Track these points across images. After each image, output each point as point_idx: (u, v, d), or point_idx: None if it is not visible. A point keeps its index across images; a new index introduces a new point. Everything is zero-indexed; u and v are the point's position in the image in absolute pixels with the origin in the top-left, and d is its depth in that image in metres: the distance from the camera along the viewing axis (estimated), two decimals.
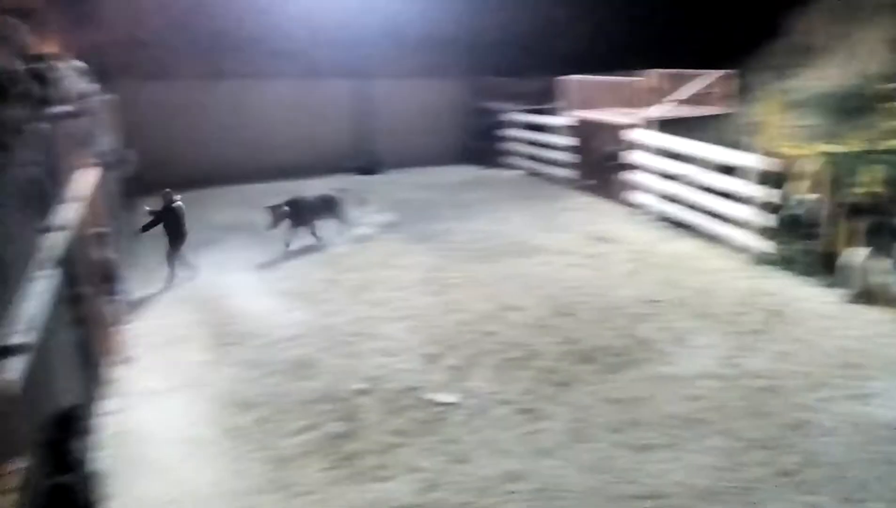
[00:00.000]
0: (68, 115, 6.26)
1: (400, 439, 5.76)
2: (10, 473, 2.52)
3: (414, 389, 6.58)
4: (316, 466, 5.39)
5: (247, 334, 7.85)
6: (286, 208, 11.02)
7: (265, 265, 10.35)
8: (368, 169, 18.60)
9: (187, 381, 6.77)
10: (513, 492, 5.06)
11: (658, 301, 8.71)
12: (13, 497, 2.48)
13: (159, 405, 6.31)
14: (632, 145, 13.39)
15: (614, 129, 14.52)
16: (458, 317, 8.36)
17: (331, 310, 8.58)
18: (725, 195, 10.93)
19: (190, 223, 9.96)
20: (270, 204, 11.03)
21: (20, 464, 2.61)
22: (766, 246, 10.00)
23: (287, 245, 10.93)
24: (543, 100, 17.42)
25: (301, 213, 11.17)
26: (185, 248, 9.83)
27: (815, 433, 5.70)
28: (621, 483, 5.12)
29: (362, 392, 6.51)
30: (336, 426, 5.96)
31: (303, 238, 11.26)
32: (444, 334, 7.85)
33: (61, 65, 5.71)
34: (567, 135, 15.90)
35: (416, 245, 11.41)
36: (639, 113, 13.68)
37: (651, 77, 14.84)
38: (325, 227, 11.39)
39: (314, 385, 6.67)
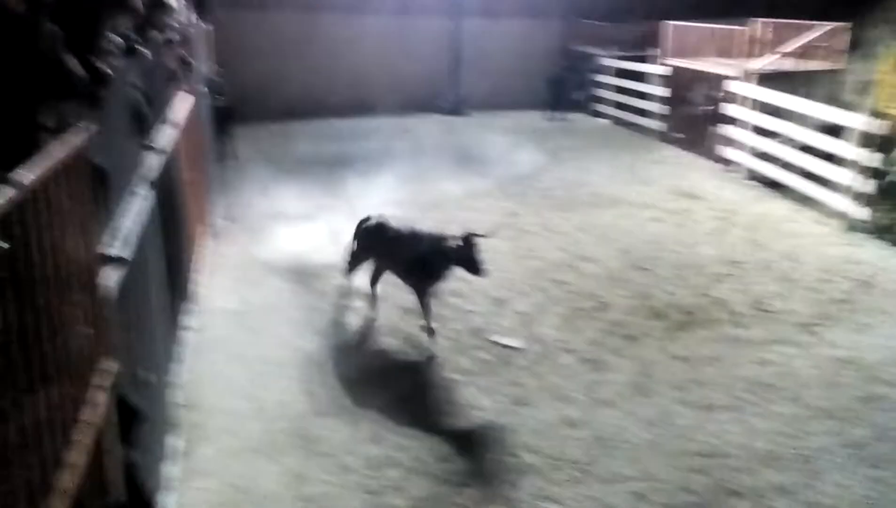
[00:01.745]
0: (170, 42, 6.50)
1: (464, 377, 5.92)
2: (103, 371, 2.77)
3: (481, 331, 6.71)
4: (380, 398, 5.62)
5: (323, 265, 8.14)
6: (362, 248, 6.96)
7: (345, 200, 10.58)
8: (454, 110, 18.55)
9: (266, 304, 7.12)
10: (570, 438, 5.14)
11: (740, 262, 8.47)
12: (106, 394, 2.73)
13: (239, 323, 6.68)
14: (728, 98, 12.81)
15: (711, 79, 13.90)
16: (530, 264, 8.40)
17: None
18: (824, 157, 10.39)
19: (277, 154, 10.29)
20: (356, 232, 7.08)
21: (112, 366, 2.87)
22: (863, 213, 9.50)
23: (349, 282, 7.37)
24: (640, 46, 16.82)
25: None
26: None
27: (889, 407, 5.51)
28: (679, 439, 5.13)
29: (435, 332, 6.67)
30: (403, 363, 6.18)
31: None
32: (515, 279, 7.91)
33: None
34: (660, 84, 15.33)
35: (496, 188, 11.41)
36: (739, 64, 13.01)
37: (755, 26, 14.04)
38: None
39: (379, 322, 6.89)
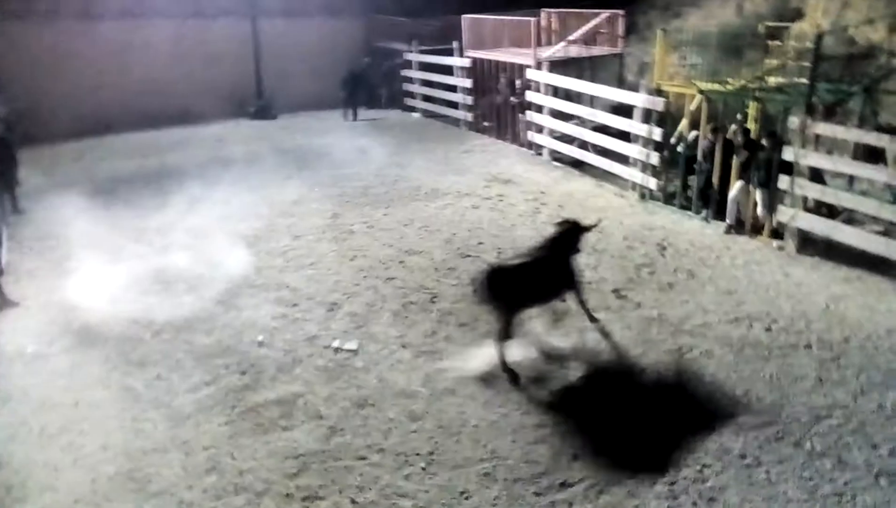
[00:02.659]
0: None
1: (302, 388, 5.77)
2: None
3: (315, 338, 6.58)
4: (216, 421, 5.33)
5: (139, 289, 7.58)
6: None
7: (155, 218, 9.94)
8: (262, 114, 18.00)
9: (75, 340, 6.50)
10: (416, 431, 5.19)
11: None
12: None
13: (41, 367, 6.04)
14: (527, 86, 13.52)
15: (510, 69, 14.59)
16: (358, 263, 8.36)
17: (224, 261, 8.36)
18: (616, 134, 11.30)
19: (74, 176, 9.40)
20: None
21: None
22: (653, 183, 10.46)
23: None
24: (441, 40, 17.24)
25: None
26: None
27: (694, 356, 6.13)
28: (519, 414, 5.35)
29: (262, 344, 6.45)
30: (235, 380, 5.90)
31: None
32: (344, 281, 7.84)
33: None
34: (464, 76, 15.85)
35: (314, 191, 11.24)
36: (532, 53, 13.77)
37: (543, 16, 14.94)
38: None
39: (210, 341, 6.54)
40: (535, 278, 6.03)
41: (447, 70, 16.46)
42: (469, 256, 8.55)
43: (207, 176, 11.85)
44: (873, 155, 8.34)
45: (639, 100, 10.57)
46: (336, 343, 6.46)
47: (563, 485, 4.60)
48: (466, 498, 4.52)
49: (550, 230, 6.64)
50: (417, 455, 4.92)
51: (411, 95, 18.15)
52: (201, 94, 17.12)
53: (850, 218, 8.34)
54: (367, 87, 18.27)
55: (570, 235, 6.44)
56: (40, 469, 4.76)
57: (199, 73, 17.34)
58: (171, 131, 15.95)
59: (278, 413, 5.43)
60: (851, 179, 8.85)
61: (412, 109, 18.09)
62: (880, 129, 8.58)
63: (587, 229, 6.56)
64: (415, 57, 17.69)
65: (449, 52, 16.26)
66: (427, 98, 17.57)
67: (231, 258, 8.45)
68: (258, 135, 16.12)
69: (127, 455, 4.96)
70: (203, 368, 6.09)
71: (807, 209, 8.41)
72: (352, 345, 6.43)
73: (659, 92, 10.44)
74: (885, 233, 7.85)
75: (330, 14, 19.36)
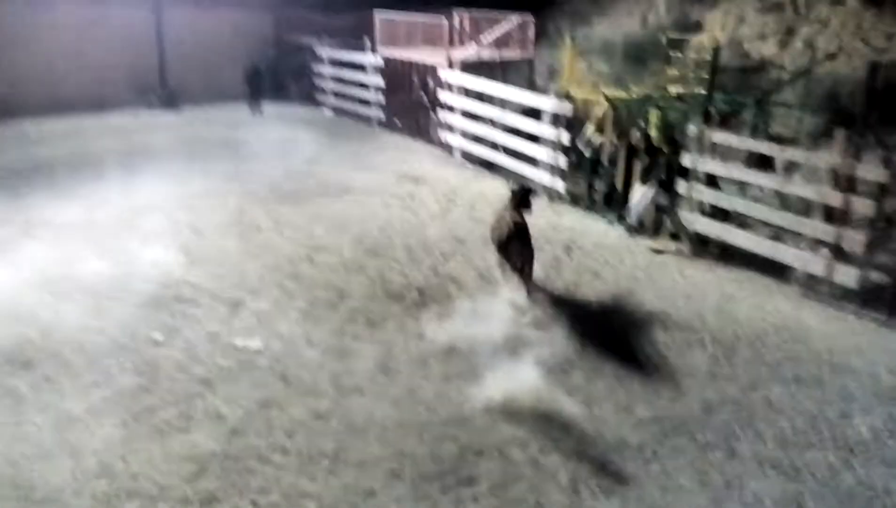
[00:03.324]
0: None
1: (201, 388, 5.54)
2: None
3: (216, 336, 6.34)
4: (108, 424, 5.05)
5: (25, 285, 7.10)
6: None
7: (45, 212, 9.36)
8: (165, 105, 17.31)
9: None
10: (322, 431, 5.08)
11: (463, 239, 9.05)
12: None
13: None
14: (439, 86, 13.58)
15: (422, 69, 14.61)
16: (264, 260, 8.14)
17: (122, 258, 7.97)
18: (527, 137, 11.50)
19: None
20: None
21: None
22: (561, 185, 10.72)
23: None
24: (353, 36, 17.09)
25: None
26: None
27: (599, 353, 6.31)
28: (425, 412, 5.34)
29: (159, 343, 6.17)
30: (130, 380, 5.61)
31: None
32: (249, 278, 7.61)
33: None
34: (376, 74, 15.75)
35: (219, 186, 10.88)
36: (445, 53, 13.85)
37: (455, 18, 15.06)
38: None
39: (102, 339, 6.19)
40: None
41: (359, 67, 16.32)
42: (378, 254, 8.49)
43: (104, 167, 11.28)
44: (763, 163, 8.84)
45: (548, 104, 10.80)
46: (239, 342, 6.25)
47: (469, 481, 4.61)
48: (372, 497, 4.46)
49: (509, 191, 7.46)
50: (322, 454, 4.82)
51: (322, 91, 17.88)
52: (101, 83, 16.34)
53: (742, 222, 8.81)
54: (273, 81, 17.88)
55: (524, 194, 7.40)
56: None
57: (99, 61, 16.56)
58: (69, 120, 15.09)
59: (175, 414, 5.20)
60: (743, 186, 9.35)
61: (323, 105, 17.82)
62: (770, 138, 9.12)
63: (532, 190, 7.67)
64: (326, 53, 17.45)
65: (358, 49, 16.13)
66: (338, 95, 17.37)
67: (127, 254, 8.06)
68: (161, 126, 15.48)
69: (9, 461, 4.62)
70: (95, 368, 5.75)
71: (702, 213, 8.82)
72: (256, 343, 6.24)
73: (567, 97, 10.71)
74: (774, 237, 8.35)
75: (239, 5, 18.84)
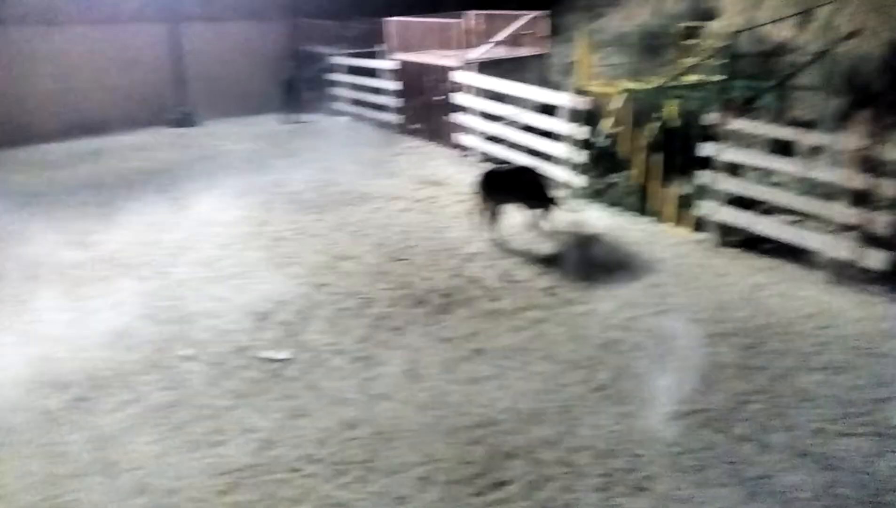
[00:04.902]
0: None
1: (232, 401, 5.62)
2: None
3: (244, 349, 6.42)
4: (142, 440, 5.14)
5: (56, 307, 7.25)
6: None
7: (75, 231, 9.55)
8: (184, 121, 17.54)
9: None
10: (352, 439, 5.12)
11: (485, 241, 9.04)
12: None
13: None
14: (455, 88, 13.58)
15: (437, 71, 14.62)
16: (288, 271, 8.21)
17: (150, 274, 8.10)
18: (544, 134, 11.45)
19: None
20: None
21: None
22: (580, 181, 10.65)
23: None
24: (367, 43, 17.16)
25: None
26: None
27: (624, 349, 6.26)
28: (454, 416, 5.35)
29: (189, 358, 6.26)
30: (162, 396, 5.70)
31: None
32: (274, 289, 7.68)
33: None
34: (391, 79, 15.79)
35: (242, 199, 10.99)
36: (459, 55, 13.84)
37: (468, 19, 15.03)
38: None
39: (135, 357, 6.31)
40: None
41: (374, 73, 16.37)
42: (401, 259, 8.52)
43: (125, 187, 11.47)
44: (785, 148, 8.71)
45: (564, 100, 10.74)
46: (267, 354, 6.32)
47: (500, 484, 4.61)
48: (404, 504, 4.48)
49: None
50: (353, 463, 4.86)
51: (340, 98, 17.98)
52: (120, 101, 16.60)
53: (767, 209, 8.67)
54: (300, 90, 18.09)
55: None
56: None
57: (115, 80, 16.82)
58: (86, 141, 15.36)
59: (208, 429, 5.27)
60: (766, 173, 9.21)
61: (341, 112, 17.92)
62: (792, 123, 8.98)
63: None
64: (341, 60, 17.54)
65: (373, 55, 16.19)
66: (355, 101, 17.45)
67: (152, 271, 8.19)
68: (181, 143, 15.70)
69: (48, 482, 4.72)
70: (126, 386, 5.86)
71: (726, 202, 8.70)
72: (284, 354, 6.31)
73: (583, 92, 10.64)
74: (799, 223, 8.21)
75: (253, 17, 19.00)
